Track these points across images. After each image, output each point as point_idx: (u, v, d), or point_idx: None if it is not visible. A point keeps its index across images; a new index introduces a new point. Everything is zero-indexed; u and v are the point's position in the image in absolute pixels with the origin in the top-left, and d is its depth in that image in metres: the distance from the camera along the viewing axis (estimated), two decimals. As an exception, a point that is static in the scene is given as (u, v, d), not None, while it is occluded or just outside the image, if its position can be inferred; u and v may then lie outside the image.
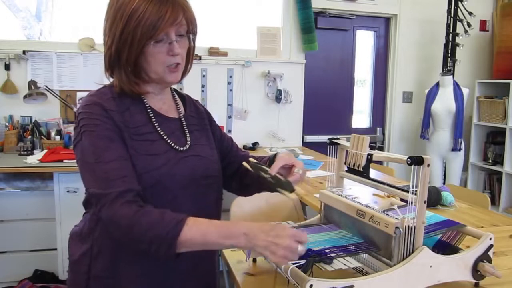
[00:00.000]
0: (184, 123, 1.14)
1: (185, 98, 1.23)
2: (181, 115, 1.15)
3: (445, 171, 3.77)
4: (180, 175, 1.04)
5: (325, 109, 3.94)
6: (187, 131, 1.13)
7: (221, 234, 0.90)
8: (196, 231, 0.90)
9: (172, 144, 1.07)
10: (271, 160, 1.15)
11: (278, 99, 3.62)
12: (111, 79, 1.09)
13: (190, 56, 1.12)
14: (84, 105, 1.02)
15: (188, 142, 1.11)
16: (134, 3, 0.97)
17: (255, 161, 1.17)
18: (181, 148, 1.08)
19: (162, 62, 1.02)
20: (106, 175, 0.93)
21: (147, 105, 1.08)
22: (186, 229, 0.89)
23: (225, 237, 0.90)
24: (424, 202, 0.96)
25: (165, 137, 1.06)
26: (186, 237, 0.89)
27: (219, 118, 3.48)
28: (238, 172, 1.25)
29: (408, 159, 0.94)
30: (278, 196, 1.18)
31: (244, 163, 1.14)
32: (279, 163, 1.08)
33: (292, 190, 1.02)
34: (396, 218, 0.98)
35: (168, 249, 0.89)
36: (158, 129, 1.07)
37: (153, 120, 1.07)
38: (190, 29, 1.06)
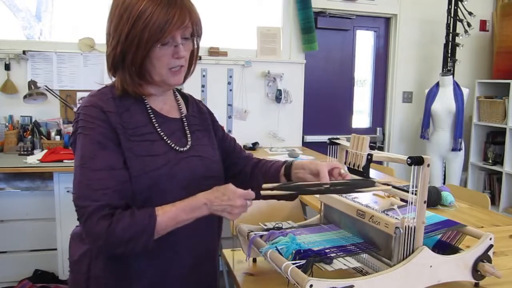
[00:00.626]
0: (185, 123, 1.14)
1: (187, 98, 1.22)
2: (183, 115, 1.15)
3: (445, 171, 3.77)
4: (180, 175, 1.04)
5: (325, 109, 3.94)
6: (188, 132, 1.13)
7: (187, 211, 0.98)
8: (168, 219, 0.96)
9: (172, 145, 1.06)
10: (287, 170, 1.16)
11: (278, 99, 3.62)
12: (113, 79, 1.08)
13: (194, 58, 1.12)
14: (83, 106, 1.02)
15: (189, 143, 1.10)
16: (141, 4, 0.97)
17: (275, 185, 1.05)
18: (182, 149, 1.08)
19: (167, 64, 1.02)
20: (89, 183, 0.95)
21: (147, 106, 1.08)
22: (159, 220, 0.95)
23: (190, 212, 0.98)
24: (424, 202, 0.96)
25: (165, 137, 1.06)
26: (161, 227, 0.95)
27: (219, 118, 3.43)
28: (241, 174, 1.25)
29: (408, 159, 0.94)
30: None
31: (265, 193, 1.03)
32: (325, 170, 1.07)
33: (373, 183, 1.04)
34: (396, 218, 0.98)
35: (146, 243, 0.94)
36: (158, 129, 1.06)
37: (153, 120, 1.07)
38: (195, 32, 1.06)
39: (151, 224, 0.93)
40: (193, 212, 0.98)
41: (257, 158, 1.30)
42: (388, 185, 1.06)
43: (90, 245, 1.02)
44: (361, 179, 1.06)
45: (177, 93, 1.20)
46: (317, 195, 1.21)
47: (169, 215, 0.96)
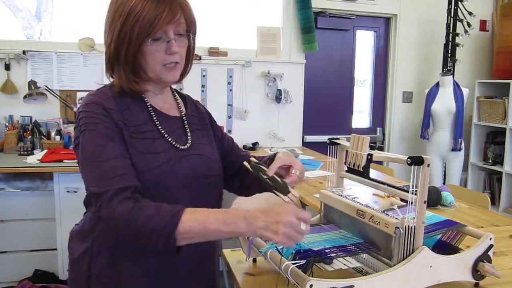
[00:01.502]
0: (185, 121, 1.14)
1: (185, 98, 1.23)
2: (183, 113, 1.16)
3: (445, 171, 3.77)
4: (181, 173, 1.04)
5: (325, 109, 3.94)
6: (188, 130, 1.13)
7: (220, 221, 0.88)
8: (195, 220, 0.88)
9: (173, 143, 1.07)
10: (271, 159, 1.15)
11: (278, 99, 3.62)
12: (111, 79, 1.09)
13: (190, 55, 1.12)
14: (84, 104, 1.02)
15: (189, 141, 1.11)
16: (132, 1, 0.98)
17: (255, 161, 1.17)
18: (182, 147, 1.08)
19: (160, 61, 1.03)
20: (104, 173, 0.93)
21: (148, 104, 1.08)
22: (184, 219, 0.88)
23: (224, 223, 0.88)
24: (424, 202, 0.96)
25: (166, 135, 1.07)
26: (184, 227, 0.88)
27: (219, 118, 3.48)
28: (239, 172, 1.25)
29: (408, 159, 0.94)
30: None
31: (245, 163, 1.14)
32: (277, 164, 1.08)
33: (287, 192, 1.02)
34: (396, 218, 0.98)
35: (167, 241, 0.88)
36: (159, 127, 1.07)
37: (154, 118, 1.07)
38: (190, 28, 1.06)
39: (173, 222, 0.87)
40: (227, 225, 0.87)
41: (254, 156, 1.30)
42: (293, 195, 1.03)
43: (110, 233, 0.96)
44: (283, 183, 1.04)
45: (175, 93, 1.21)
46: (317, 195, 1.21)
47: (197, 217, 0.89)
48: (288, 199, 1.00)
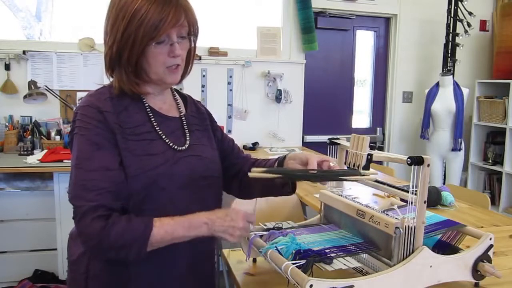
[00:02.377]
0: (184, 122, 1.14)
1: (186, 98, 1.23)
2: (182, 114, 1.15)
3: (445, 171, 3.77)
4: (178, 175, 1.04)
5: (325, 109, 3.94)
6: (187, 131, 1.13)
7: (185, 227, 0.96)
8: (164, 232, 0.94)
9: (171, 144, 1.06)
10: (281, 162, 1.16)
11: (278, 99, 3.62)
12: (111, 79, 1.09)
13: (191, 57, 1.12)
14: (81, 106, 1.02)
15: (188, 142, 1.10)
16: (136, 3, 0.97)
17: (263, 169, 1.06)
18: (180, 148, 1.08)
19: (163, 63, 1.02)
20: (83, 183, 0.95)
21: (146, 105, 1.08)
22: (154, 232, 0.93)
23: (189, 229, 0.96)
24: (424, 202, 0.96)
25: (163, 136, 1.06)
26: (155, 239, 0.94)
27: (219, 118, 3.48)
28: (239, 174, 1.25)
29: (408, 159, 0.94)
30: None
31: (253, 175, 1.05)
32: (314, 160, 1.08)
33: (362, 174, 1.05)
34: (396, 218, 0.98)
35: (138, 253, 0.93)
36: (156, 128, 1.06)
37: (152, 119, 1.07)
38: (192, 31, 1.06)
39: (146, 234, 0.92)
40: (192, 230, 0.97)
41: (255, 158, 1.30)
42: (371, 171, 1.06)
43: (82, 246, 1.01)
44: (348, 168, 1.07)
45: (175, 93, 1.20)
46: (317, 195, 1.21)
47: (166, 228, 0.94)
48: (370, 177, 1.06)
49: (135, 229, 0.92)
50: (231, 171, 1.25)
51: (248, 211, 1.03)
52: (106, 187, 0.95)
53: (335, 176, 1.07)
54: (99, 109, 1.00)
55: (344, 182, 1.24)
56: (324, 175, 1.06)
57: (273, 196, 1.24)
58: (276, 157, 1.23)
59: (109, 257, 0.96)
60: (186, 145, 1.09)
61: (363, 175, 1.05)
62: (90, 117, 0.99)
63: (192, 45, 1.10)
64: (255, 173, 1.03)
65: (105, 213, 0.93)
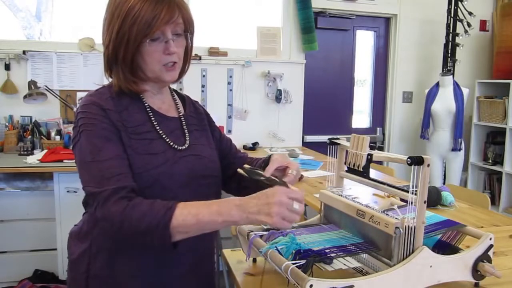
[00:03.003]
0: (183, 122, 1.14)
1: (184, 99, 1.23)
2: (181, 114, 1.16)
3: (445, 171, 3.77)
4: (178, 174, 1.04)
5: (325, 109, 3.94)
6: (186, 131, 1.13)
7: (213, 211, 0.89)
8: (187, 213, 0.89)
9: (171, 143, 1.07)
10: (266, 162, 1.16)
11: (278, 99, 3.62)
12: (110, 79, 1.09)
13: (188, 55, 1.13)
14: (82, 105, 1.03)
15: (187, 142, 1.11)
16: (130, 2, 0.98)
17: (249, 166, 1.17)
18: (180, 147, 1.08)
19: (159, 61, 1.03)
20: (101, 173, 0.94)
21: (146, 104, 1.08)
22: (177, 213, 0.89)
23: (217, 213, 0.88)
24: (424, 202, 0.95)
25: (164, 136, 1.07)
26: (178, 221, 0.88)
27: (219, 118, 3.48)
28: (237, 173, 1.25)
29: (408, 159, 0.94)
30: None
31: (239, 170, 1.14)
32: (273, 165, 1.08)
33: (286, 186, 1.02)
34: (396, 218, 0.98)
35: (162, 237, 0.89)
36: (157, 128, 1.07)
37: (152, 119, 1.07)
38: (187, 28, 1.06)
39: (167, 216, 0.88)
40: (220, 215, 0.88)
41: (251, 157, 1.31)
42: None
43: (107, 233, 0.97)
44: (282, 182, 1.02)
45: (174, 93, 1.21)
46: (317, 195, 1.21)
47: (190, 210, 0.89)
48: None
49: (156, 211, 0.89)
50: (229, 171, 1.25)
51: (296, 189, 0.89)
52: (124, 172, 0.95)
53: (268, 187, 1.00)
54: (101, 107, 1.01)
55: (344, 182, 1.24)
56: (264, 184, 1.03)
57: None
58: (264, 156, 1.23)
59: (135, 242, 0.93)
60: (186, 145, 1.10)
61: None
62: (94, 113, 1.00)
63: (189, 42, 1.10)
64: (241, 170, 1.10)
65: (127, 195, 0.92)
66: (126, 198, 0.91)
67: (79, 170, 1.00)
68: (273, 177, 1.07)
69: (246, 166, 1.17)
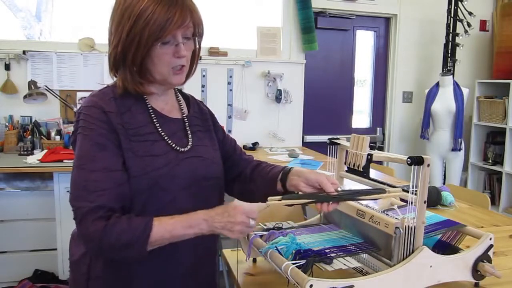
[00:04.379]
0: (187, 123, 1.14)
1: (189, 99, 1.22)
2: (184, 115, 1.15)
3: (445, 171, 3.77)
4: (181, 176, 1.04)
5: (325, 109, 3.94)
6: (189, 132, 1.12)
7: (185, 225, 0.95)
8: (164, 230, 0.94)
9: (173, 145, 1.06)
10: (285, 175, 1.12)
11: (278, 99, 3.62)
12: (115, 79, 1.08)
13: (195, 58, 1.12)
14: (84, 106, 1.02)
15: (190, 143, 1.10)
16: (142, 3, 0.97)
17: (282, 197, 1.03)
18: (182, 149, 1.08)
19: (168, 64, 1.02)
20: (85, 184, 0.95)
21: (149, 106, 1.08)
22: (154, 231, 0.93)
23: (188, 227, 0.96)
24: (424, 202, 0.96)
25: (166, 138, 1.06)
26: (155, 237, 0.93)
27: (219, 118, 3.42)
28: (240, 176, 1.25)
29: (408, 159, 0.94)
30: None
31: (271, 203, 1.02)
32: (327, 182, 1.04)
33: (384, 191, 1.01)
34: (396, 218, 0.98)
35: (139, 252, 0.93)
36: (159, 129, 1.06)
37: (154, 120, 1.07)
38: (196, 32, 1.06)
39: (146, 233, 0.92)
40: (191, 228, 0.96)
41: (258, 160, 1.29)
42: (395, 188, 1.02)
43: (85, 247, 1.02)
44: (369, 189, 1.02)
45: (178, 93, 1.20)
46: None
47: (166, 227, 0.94)
48: (396, 194, 1.02)
49: (135, 228, 0.92)
50: (233, 173, 1.25)
51: (252, 208, 1.00)
52: (107, 188, 0.95)
53: (360, 195, 1.01)
54: (102, 109, 1.00)
55: (344, 182, 1.24)
56: (349, 196, 1.02)
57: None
58: (279, 159, 1.22)
59: (111, 257, 0.96)
60: (189, 146, 1.09)
61: (388, 192, 1.01)
62: (93, 117, 0.99)
63: (197, 46, 1.10)
64: (273, 201, 1.00)
65: (105, 214, 0.93)
66: (103, 218, 0.93)
67: (72, 169, 1.00)
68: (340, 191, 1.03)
69: (271, 198, 1.02)
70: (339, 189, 1.05)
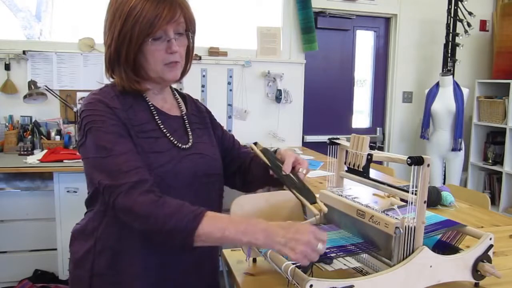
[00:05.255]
0: (186, 121, 1.15)
1: (185, 97, 1.23)
2: (183, 113, 1.16)
3: (445, 171, 3.77)
4: (183, 173, 1.04)
5: (325, 109, 3.94)
6: (189, 129, 1.13)
7: (240, 230, 0.89)
8: (215, 226, 0.89)
9: (175, 142, 1.07)
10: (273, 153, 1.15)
11: (278, 99, 3.62)
12: (111, 80, 1.09)
13: (190, 55, 1.13)
14: (87, 103, 1.02)
15: (191, 140, 1.11)
16: (132, 2, 0.98)
17: (262, 147, 1.14)
18: (184, 146, 1.08)
19: (161, 60, 1.03)
20: (118, 167, 0.93)
21: (149, 103, 1.08)
22: (204, 222, 0.89)
23: (243, 233, 0.88)
24: (424, 202, 0.96)
25: (168, 134, 1.07)
26: (204, 230, 0.89)
27: (219, 118, 3.42)
28: (241, 169, 1.25)
29: (408, 159, 0.94)
30: (279, 195, 1.18)
31: (252, 145, 1.13)
32: (289, 161, 1.06)
33: (313, 202, 0.97)
34: (396, 218, 0.98)
35: (185, 241, 0.89)
36: (161, 126, 1.07)
37: (156, 117, 1.07)
38: (189, 27, 1.06)
39: (194, 223, 0.88)
40: (245, 235, 0.88)
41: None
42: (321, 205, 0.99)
43: (129, 222, 0.94)
44: (309, 190, 1.01)
45: (175, 92, 1.21)
46: (317, 195, 1.19)
47: (217, 224, 0.89)
48: (316, 211, 0.97)
49: (184, 215, 0.89)
50: (233, 167, 1.25)
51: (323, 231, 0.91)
52: (140, 165, 0.95)
53: (291, 186, 1.02)
54: (107, 105, 1.00)
55: (344, 182, 1.24)
56: (284, 181, 1.03)
57: (273, 186, 1.22)
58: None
59: (156, 240, 0.93)
60: (190, 143, 1.10)
61: (315, 203, 0.98)
62: (101, 110, 0.99)
63: (191, 41, 1.10)
64: (254, 147, 1.11)
65: (153, 189, 0.92)
66: (153, 192, 0.91)
67: (90, 168, 0.98)
68: (294, 177, 1.04)
69: (259, 145, 1.14)
70: (301, 170, 1.07)
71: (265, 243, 0.88)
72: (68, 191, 2.54)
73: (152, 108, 1.08)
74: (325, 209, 0.97)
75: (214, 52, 3.47)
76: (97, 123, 0.98)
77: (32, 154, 2.85)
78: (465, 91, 3.62)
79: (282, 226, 0.89)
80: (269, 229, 0.88)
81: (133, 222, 0.93)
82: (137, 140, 1.01)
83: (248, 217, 0.93)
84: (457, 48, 3.77)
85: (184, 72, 1.13)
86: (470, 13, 3.71)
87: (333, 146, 1.21)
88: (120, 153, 0.95)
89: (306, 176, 1.09)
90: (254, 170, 1.21)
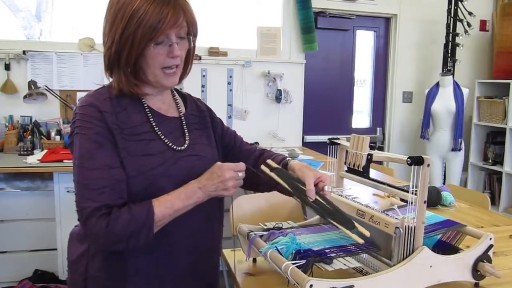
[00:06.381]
0: (184, 122, 1.14)
1: (186, 97, 1.22)
2: (181, 114, 1.15)
3: (445, 171, 3.77)
4: (177, 175, 1.04)
5: (325, 109, 3.94)
6: (186, 130, 1.12)
7: (183, 198, 0.99)
8: (165, 208, 0.97)
9: (170, 144, 1.06)
10: (284, 166, 1.14)
11: (278, 99, 3.62)
12: (111, 79, 1.08)
13: (190, 57, 1.12)
14: (80, 105, 1.02)
15: (187, 142, 1.10)
16: (135, 4, 0.97)
17: (276, 165, 1.11)
18: (179, 148, 1.08)
19: (161, 64, 1.02)
20: (86, 182, 0.96)
21: (145, 105, 1.08)
22: (156, 212, 0.96)
23: (186, 199, 1.00)
24: (424, 202, 0.96)
25: (162, 136, 1.06)
26: (159, 218, 0.97)
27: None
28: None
29: (408, 159, 0.94)
30: (279, 195, 1.18)
31: (263, 167, 1.11)
32: (311, 181, 1.03)
33: (352, 228, 0.94)
34: (396, 218, 0.98)
35: (146, 236, 0.95)
36: (155, 128, 1.06)
37: (151, 119, 1.07)
38: (190, 31, 1.06)
39: (150, 218, 0.95)
40: (189, 199, 0.99)
41: (261, 149, 1.29)
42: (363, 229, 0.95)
43: (92, 245, 1.03)
44: (343, 214, 0.98)
45: (175, 92, 1.20)
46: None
47: (166, 205, 0.97)
48: (360, 240, 0.95)
49: (138, 216, 0.95)
50: None
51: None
52: (108, 185, 0.96)
53: (328, 216, 0.99)
54: (98, 109, 1.00)
55: (344, 182, 1.24)
56: (318, 209, 1.01)
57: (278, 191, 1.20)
58: (283, 154, 1.23)
59: (120, 248, 0.97)
60: (186, 145, 1.09)
61: (354, 229, 0.94)
62: (89, 116, 0.99)
63: (191, 45, 1.09)
64: (266, 168, 1.11)
65: (107, 211, 0.94)
66: (105, 215, 0.94)
67: (73, 168, 1.01)
68: (319, 199, 1.01)
69: (269, 163, 1.12)
70: (326, 188, 1.05)
71: (204, 197, 1.01)
72: (68, 191, 2.54)
73: (147, 110, 1.07)
74: (367, 233, 0.95)
75: (214, 52, 3.47)
76: (83, 130, 0.99)
77: (32, 154, 2.85)
78: (465, 91, 3.62)
79: (207, 177, 1.01)
80: (201, 186, 1.01)
81: (97, 245, 1.01)
82: (125, 144, 1.00)
83: (183, 186, 1.01)
84: (457, 48, 3.77)
85: (183, 75, 1.12)
86: (470, 13, 3.71)
87: (333, 146, 1.21)
88: (93, 167, 0.96)
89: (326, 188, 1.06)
90: (261, 175, 1.19)
